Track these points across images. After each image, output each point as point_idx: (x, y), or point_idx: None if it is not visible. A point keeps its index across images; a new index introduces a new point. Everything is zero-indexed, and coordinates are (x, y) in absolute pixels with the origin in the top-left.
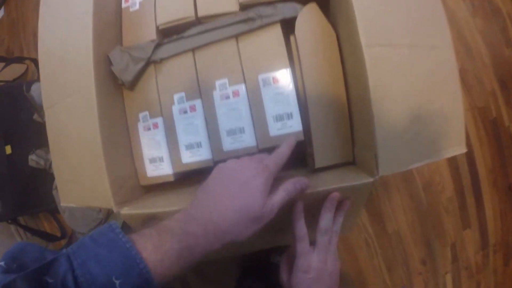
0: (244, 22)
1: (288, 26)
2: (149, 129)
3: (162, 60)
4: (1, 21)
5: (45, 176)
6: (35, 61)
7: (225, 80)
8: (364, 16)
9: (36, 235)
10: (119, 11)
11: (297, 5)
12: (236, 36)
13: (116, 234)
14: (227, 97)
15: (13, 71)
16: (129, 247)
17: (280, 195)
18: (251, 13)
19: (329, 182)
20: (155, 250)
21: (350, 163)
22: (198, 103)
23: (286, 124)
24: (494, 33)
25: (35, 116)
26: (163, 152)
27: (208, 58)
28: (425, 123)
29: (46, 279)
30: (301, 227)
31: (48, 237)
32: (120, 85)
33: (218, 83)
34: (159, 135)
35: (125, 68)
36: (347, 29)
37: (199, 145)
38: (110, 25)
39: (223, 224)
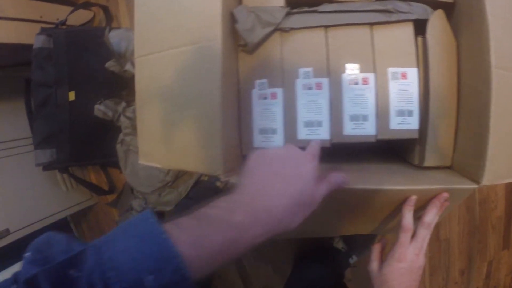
0: (381, 12)
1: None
2: (265, 98)
3: (291, 29)
4: None
5: (108, 128)
6: (104, 8)
7: (357, 66)
8: (498, 36)
9: (84, 186)
10: None
11: (428, 8)
12: (371, 24)
13: (150, 224)
14: (356, 83)
15: (79, 17)
16: (164, 238)
17: (326, 186)
18: (389, 5)
19: (434, 182)
20: (193, 243)
21: (446, 167)
22: (325, 82)
23: (406, 120)
24: None
25: (108, 64)
26: (278, 124)
27: (341, 39)
28: None
29: (71, 273)
30: (409, 219)
31: (96, 189)
32: (239, 45)
33: (348, 66)
34: (277, 106)
35: (251, 29)
36: (473, 43)
37: (319, 124)
38: None
39: (277, 210)
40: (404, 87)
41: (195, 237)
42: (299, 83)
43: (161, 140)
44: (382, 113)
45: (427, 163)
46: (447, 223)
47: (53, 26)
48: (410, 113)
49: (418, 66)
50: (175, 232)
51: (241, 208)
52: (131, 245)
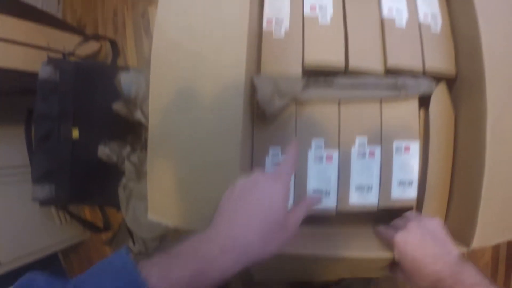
0: (391, 88)
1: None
2: (278, 165)
3: (307, 101)
4: None
5: (111, 170)
6: (112, 42)
7: (365, 138)
8: (495, 115)
9: (78, 222)
10: (260, 33)
11: (432, 82)
12: (381, 99)
13: (124, 261)
14: (363, 155)
15: (86, 48)
16: (136, 274)
17: (302, 210)
18: (399, 81)
19: None
20: (162, 278)
21: None
22: (335, 154)
23: (406, 190)
24: None
25: (115, 106)
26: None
27: (352, 113)
28: None
29: None
30: None
31: (91, 226)
32: (257, 113)
33: (358, 139)
34: None
35: (270, 99)
36: (470, 118)
37: (327, 193)
38: (253, 44)
39: (244, 237)
40: (407, 159)
41: (164, 271)
42: (311, 154)
43: (173, 197)
44: (385, 184)
45: None
46: None
47: (60, 56)
48: (410, 184)
49: (419, 139)
50: (147, 267)
51: (207, 241)
52: (106, 280)
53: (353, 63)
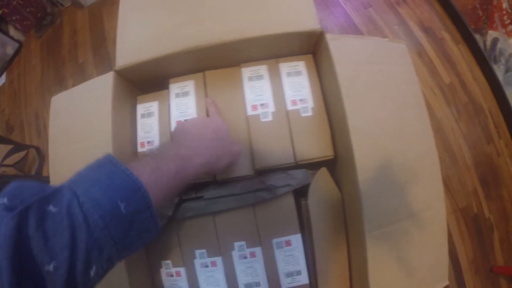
0: (261, 191)
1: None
2: (171, 275)
3: (183, 218)
4: (2, 89)
5: None
6: (37, 148)
7: (243, 243)
8: (368, 201)
9: None
10: (135, 153)
11: (307, 172)
12: (253, 203)
13: (114, 164)
14: (245, 257)
15: (13, 156)
16: (129, 173)
17: (239, 145)
18: (267, 182)
19: None
20: (153, 173)
21: None
22: (219, 260)
23: (295, 279)
24: (476, 133)
25: None
26: None
27: (227, 221)
28: (414, 272)
29: (50, 208)
30: None
31: None
32: None
33: (236, 244)
34: (182, 282)
35: None
36: (350, 200)
37: None
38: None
39: (207, 150)
40: (289, 252)
41: (153, 168)
42: (197, 262)
43: None
44: (272, 278)
45: None
46: None
47: None
48: (298, 273)
49: (302, 231)
50: (137, 167)
51: (183, 147)
52: (102, 179)
53: (222, 175)
